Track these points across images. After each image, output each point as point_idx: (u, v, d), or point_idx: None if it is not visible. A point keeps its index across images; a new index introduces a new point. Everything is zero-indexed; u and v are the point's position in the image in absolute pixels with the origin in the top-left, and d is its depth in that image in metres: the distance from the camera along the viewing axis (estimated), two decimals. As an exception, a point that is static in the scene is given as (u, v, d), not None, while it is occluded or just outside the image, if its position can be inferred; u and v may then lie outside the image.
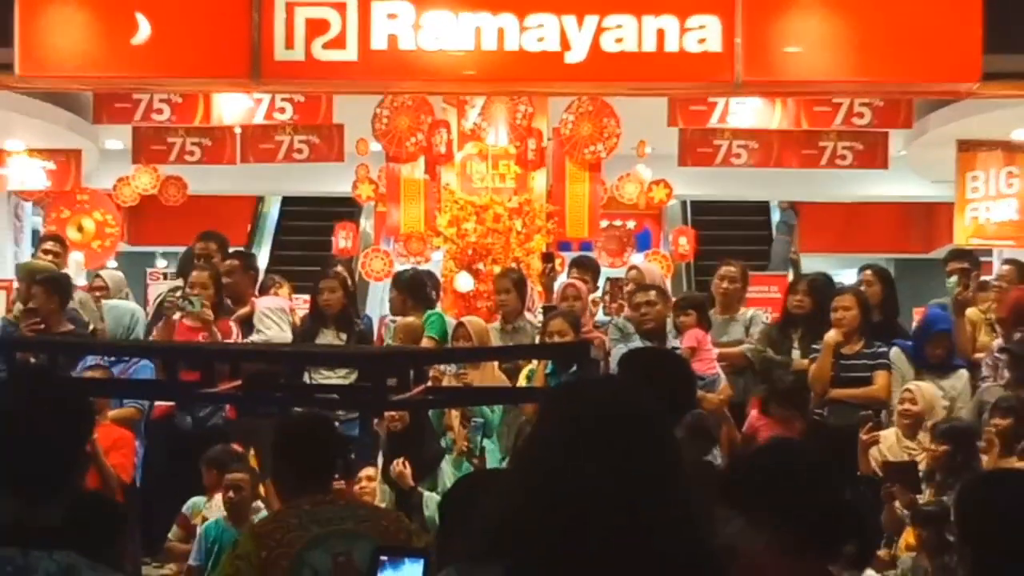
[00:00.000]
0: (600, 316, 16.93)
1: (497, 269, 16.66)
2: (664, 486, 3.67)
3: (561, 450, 3.71)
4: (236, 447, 12.50)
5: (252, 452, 12.68)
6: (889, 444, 11.97)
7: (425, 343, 13.85)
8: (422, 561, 5.21)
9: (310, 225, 24.25)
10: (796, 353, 13.20)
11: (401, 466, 11.72)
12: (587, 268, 16.53)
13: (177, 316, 14.07)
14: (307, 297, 15.33)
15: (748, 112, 18.18)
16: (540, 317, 15.02)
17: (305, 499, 7.14)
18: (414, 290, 14.91)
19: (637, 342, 12.73)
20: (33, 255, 18.05)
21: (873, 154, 18.48)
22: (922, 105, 18.29)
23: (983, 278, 14.66)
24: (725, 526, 4.83)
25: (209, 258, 15.39)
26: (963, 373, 12.75)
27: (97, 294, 15.87)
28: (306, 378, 12.77)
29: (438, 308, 15.43)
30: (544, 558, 3.58)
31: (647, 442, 3.74)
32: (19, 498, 4.19)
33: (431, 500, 11.49)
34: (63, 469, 4.35)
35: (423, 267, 17.23)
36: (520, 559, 3.61)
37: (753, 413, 12.83)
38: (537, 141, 17.98)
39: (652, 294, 13.56)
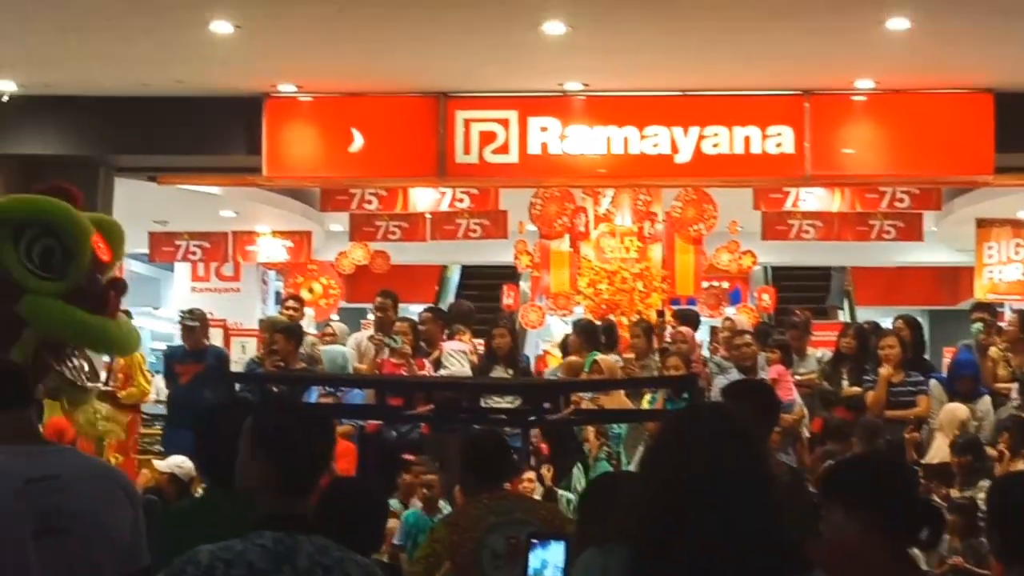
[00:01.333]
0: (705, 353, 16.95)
1: (624, 320, 16.99)
2: (759, 490, 3.67)
3: (680, 460, 3.70)
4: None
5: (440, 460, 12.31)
6: (938, 451, 12.26)
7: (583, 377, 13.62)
8: (563, 543, 5.20)
9: (483, 285, 23.99)
10: (845, 383, 13.46)
11: (547, 471, 12.10)
12: (690, 319, 16.97)
13: (386, 354, 14.30)
14: (482, 341, 15.31)
15: (814, 199, 18.23)
16: (657, 357, 15.14)
17: (484, 495, 7.22)
18: (587, 335, 14.94)
19: (734, 374, 12.91)
20: (278, 311, 18.30)
21: (911, 229, 18.51)
22: (948, 192, 18.55)
23: (999, 324, 14.84)
24: (828, 516, 4.91)
25: (385, 310, 15.38)
26: (986, 399, 12.98)
27: (327, 338, 16.47)
28: (482, 403, 11.86)
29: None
30: (662, 543, 3.57)
31: (747, 456, 3.75)
32: (281, 496, 4.25)
33: (564, 497, 11.68)
34: (313, 472, 4.45)
35: (567, 319, 17.38)
36: (643, 544, 3.63)
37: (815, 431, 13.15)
38: (653, 222, 18.19)
39: (747, 337, 13.93)
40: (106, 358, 13.57)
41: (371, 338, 15.10)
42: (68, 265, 5.40)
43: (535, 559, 5.28)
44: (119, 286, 5.80)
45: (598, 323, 16.15)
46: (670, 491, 3.61)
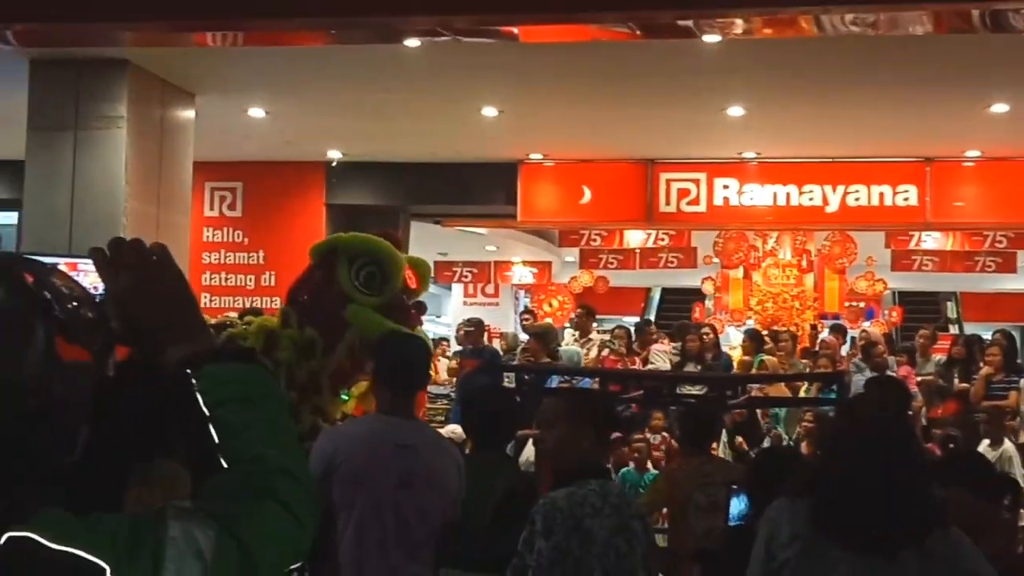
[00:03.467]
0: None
1: (784, 331, 16.10)
2: (911, 458, 3.59)
3: (852, 433, 3.64)
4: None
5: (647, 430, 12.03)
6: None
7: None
8: (748, 495, 5.13)
9: (677, 303, 22.92)
10: (956, 381, 12.86)
11: (740, 440, 11.86)
12: (839, 330, 16.84)
13: (606, 352, 14.15)
14: (677, 345, 14.62)
15: (932, 240, 17.80)
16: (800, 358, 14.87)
17: (694, 459, 7.06)
18: (755, 341, 14.86)
19: (868, 373, 12.48)
20: (520, 320, 18.46)
21: (1007, 264, 17.87)
22: None
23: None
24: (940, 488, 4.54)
25: (582, 318, 15.27)
26: None
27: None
28: (678, 391, 11.69)
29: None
30: (837, 495, 3.49)
31: (902, 431, 3.70)
32: (594, 451, 4.37)
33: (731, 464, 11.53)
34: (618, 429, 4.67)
35: (741, 330, 17.06)
36: (823, 495, 3.52)
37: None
38: (808, 257, 17.90)
39: (880, 348, 13.68)
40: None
41: (602, 342, 14.81)
42: (384, 286, 5.63)
43: (734, 506, 5.37)
44: (421, 306, 6.05)
45: (764, 332, 16.00)
46: (845, 456, 3.57)
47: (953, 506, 4.08)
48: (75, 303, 1.61)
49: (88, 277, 1.90)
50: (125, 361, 1.75)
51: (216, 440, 1.59)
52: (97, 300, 1.72)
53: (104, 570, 1.36)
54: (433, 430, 5.99)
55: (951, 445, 10.59)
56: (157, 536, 1.42)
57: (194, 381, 1.63)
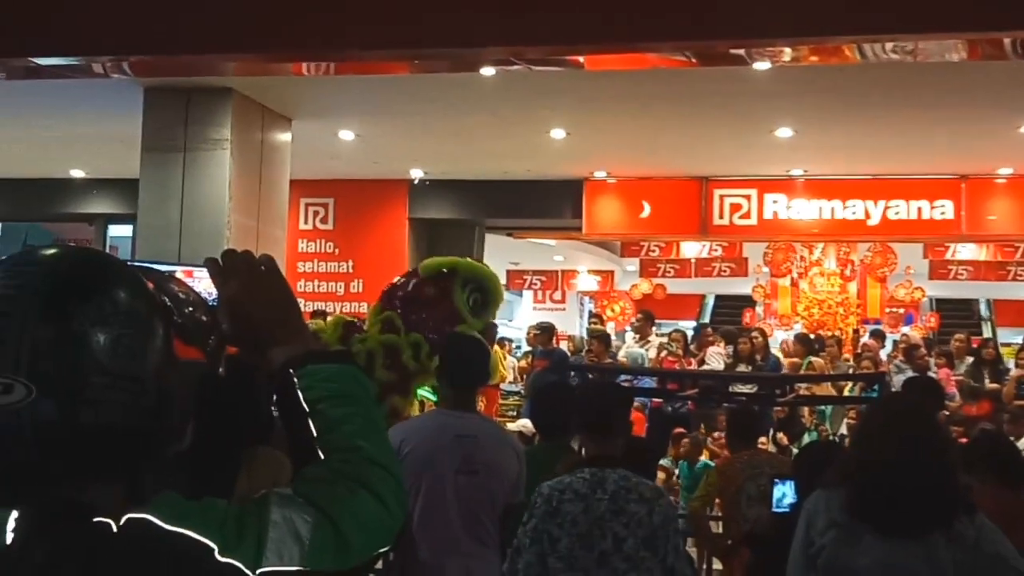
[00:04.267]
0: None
1: (829, 334, 16.28)
2: (939, 451, 3.56)
3: (886, 429, 3.60)
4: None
5: (703, 427, 12.28)
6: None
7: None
8: (793, 483, 5.13)
9: (730, 309, 22.98)
10: (986, 381, 12.77)
11: (782, 436, 11.69)
12: (879, 335, 16.66)
13: (664, 353, 14.00)
14: (731, 347, 14.32)
15: (967, 251, 17.88)
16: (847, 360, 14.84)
17: (744, 453, 6.96)
18: (804, 344, 14.69)
19: (909, 373, 12.38)
20: (589, 323, 18.15)
21: None
22: None
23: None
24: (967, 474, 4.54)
25: (642, 321, 15.14)
26: None
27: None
28: (731, 389, 11.56)
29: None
30: (871, 485, 3.47)
31: (930, 427, 3.67)
32: (597, 441, 4.28)
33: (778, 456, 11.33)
34: (623, 426, 4.46)
35: (788, 334, 16.89)
36: (858, 485, 3.51)
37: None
38: (851, 267, 17.81)
39: (922, 351, 13.64)
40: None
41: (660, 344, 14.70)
42: (484, 313, 5.67)
43: (777, 492, 5.39)
44: (493, 328, 6.09)
45: (811, 336, 15.82)
46: (880, 450, 3.56)
47: (977, 494, 4.04)
48: (191, 308, 1.64)
49: (201, 283, 1.93)
50: (235, 360, 1.78)
51: (315, 433, 1.60)
52: (210, 305, 1.75)
53: (212, 549, 1.37)
54: (492, 422, 6.00)
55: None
56: (261, 519, 1.44)
57: (296, 379, 1.64)
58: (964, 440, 11.20)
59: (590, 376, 11.28)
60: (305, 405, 1.62)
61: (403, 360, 5.42)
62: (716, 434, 11.17)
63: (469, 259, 5.91)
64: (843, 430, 11.95)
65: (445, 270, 5.66)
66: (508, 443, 5.17)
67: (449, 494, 4.75)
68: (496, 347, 14.54)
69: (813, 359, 14.19)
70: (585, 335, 16.27)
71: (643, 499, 4.11)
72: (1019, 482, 4.61)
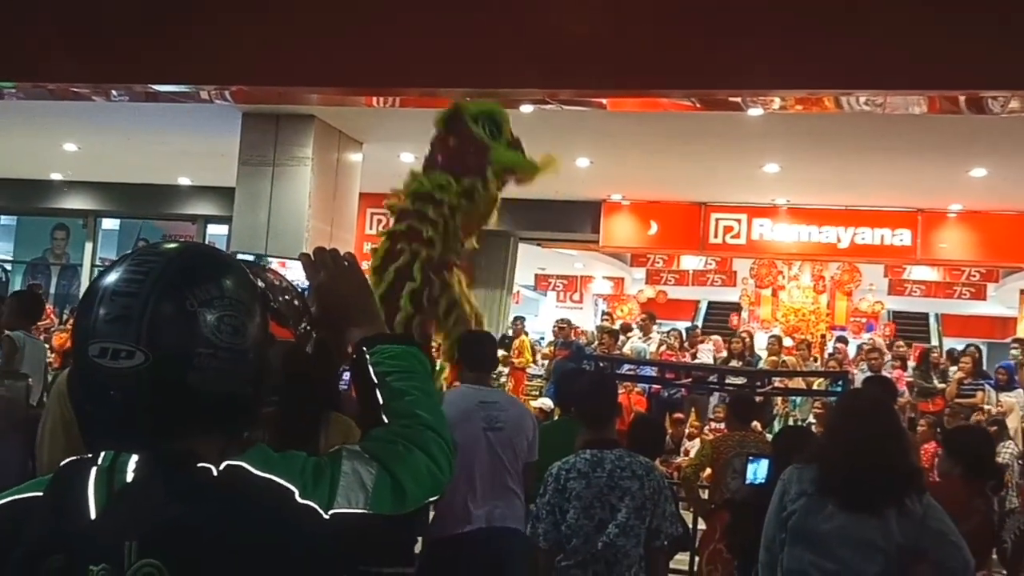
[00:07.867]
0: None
1: (801, 338, 16.09)
2: (896, 436, 3.53)
3: (847, 419, 3.59)
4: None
5: (694, 409, 12.53)
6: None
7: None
8: (768, 461, 5.08)
9: (720, 313, 21.32)
10: (935, 381, 12.55)
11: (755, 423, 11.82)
12: (843, 340, 16.40)
13: (663, 348, 14.03)
14: (721, 344, 14.95)
15: (921, 272, 17.76)
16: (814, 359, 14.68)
17: (736, 433, 6.87)
18: (780, 345, 14.33)
19: (867, 373, 12.07)
20: (601, 321, 17.76)
21: (980, 293, 17.82)
22: (1004, 272, 17.17)
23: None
24: (943, 461, 4.64)
25: (646, 321, 15.09)
26: (1020, 391, 11.80)
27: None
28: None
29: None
30: (837, 464, 3.43)
31: (889, 416, 3.63)
32: (595, 428, 4.22)
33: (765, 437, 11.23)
34: (613, 413, 4.37)
35: (769, 335, 17.17)
36: (826, 464, 3.48)
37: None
38: (823, 282, 17.52)
39: (876, 353, 13.40)
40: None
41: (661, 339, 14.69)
42: (500, 134, 5.34)
43: (751, 468, 5.40)
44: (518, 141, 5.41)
45: (787, 338, 15.64)
46: (845, 435, 3.52)
47: (944, 480, 4.06)
48: (285, 295, 1.66)
49: (292, 273, 1.96)
50: (319, 341, 1.79)
51: (381, 401, 1.62)
52: (300, 291, 1.75)
53: (293, 492, 1.38)
54: (507, 392, 6.05)
55: (937, 429, 10.52)
56: (333, 470, 1.44)
57: (368, 356, 1.66)
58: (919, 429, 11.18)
59: (600, 365, 11.13)
60: (375, 378, 1.64)
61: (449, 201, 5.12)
62: (713, 425, 11.17)
63: (464, 100, 5.62)
64: (811, 418, 11.76)
65: (448, 116, 5.33)
66: (522, 407, 5.23)
67: (481, 448, 4.74)
68: (524, 336, 14.57)
69: (787, 358, 14.03)
70: (595, 331, 16.12)
71: (635, 475, 4.08)
72: (980, 477, 4.46)
